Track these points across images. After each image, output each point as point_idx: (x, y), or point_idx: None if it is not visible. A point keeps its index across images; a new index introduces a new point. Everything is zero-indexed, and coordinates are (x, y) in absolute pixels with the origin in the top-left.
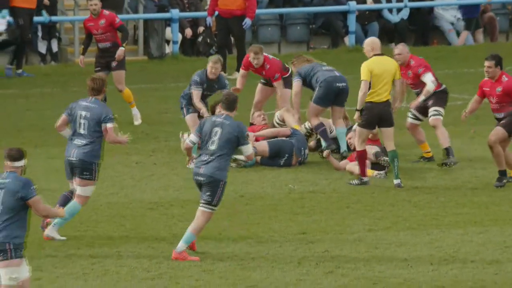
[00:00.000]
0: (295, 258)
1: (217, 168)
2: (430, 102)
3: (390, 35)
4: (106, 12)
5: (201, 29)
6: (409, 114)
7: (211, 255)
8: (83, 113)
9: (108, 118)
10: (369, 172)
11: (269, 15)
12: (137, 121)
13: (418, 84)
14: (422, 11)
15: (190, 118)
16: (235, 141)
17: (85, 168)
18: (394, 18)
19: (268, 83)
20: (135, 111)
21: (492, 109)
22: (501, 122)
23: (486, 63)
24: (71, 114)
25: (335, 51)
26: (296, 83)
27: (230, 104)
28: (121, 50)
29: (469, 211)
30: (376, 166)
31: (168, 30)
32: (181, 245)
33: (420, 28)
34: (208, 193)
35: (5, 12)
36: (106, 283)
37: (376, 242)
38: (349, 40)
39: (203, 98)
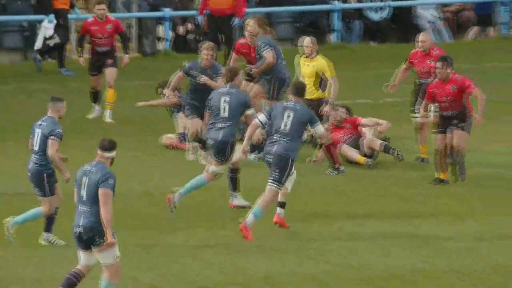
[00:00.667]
0: (281, 246)
1: (288, 149)
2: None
3: (372, 33)
4: (111, 17)
5: (189, 26)
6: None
7: (200, 243)
8: (225, 98)
9: (250, 103)
10: (361, 159)
11: (258, 14)
12: (109, 119)
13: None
14: (404, 10)
15: (181, 118)
16: (305, 124)
17: (221, 149)
18: (376, 16)
19: (251, 78)
20: (110, 114)
21: (442, 107)
22: (459, 125)
23: (437, 65)
24: (210, 102)
25: (320, 48)
26: (272, 52)
27: (299, 91)
28: (128, 58)
29: (448, 202)
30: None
31: (160, 27)
32: (251, 217)
33: (402, 27)
34: (277, 171)
35: (51, 16)
36: (98, 271)
37: (359, 230)
38: (333, 38)
39: (199, 90)
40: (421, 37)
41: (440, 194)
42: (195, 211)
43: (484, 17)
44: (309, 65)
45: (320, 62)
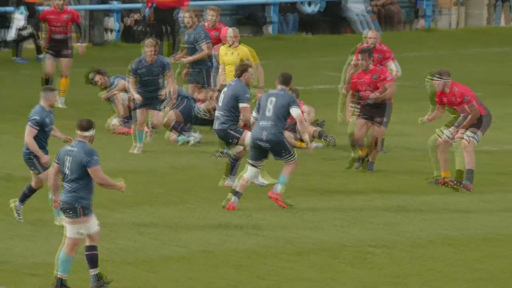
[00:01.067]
0: (220, 221)
1: (276, 132)
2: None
3: (306, 25)
4: (69, 8)
5: (136, 16)
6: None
7: (145, 219)
8: (224, 89)
9: (245, 98)
10: (300, 144)
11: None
12: (61, 105)
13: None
14: (334, 4)
15: (118, 99)
16: (287, 107)
17: (222, 137)
18: (310, 9)
19: None
20: (62, 100)
21: (365, 96)
22: (380, 120)
23: (359, 56)
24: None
25: (258, 39)
26: (208, 44)
27: (286, 80)
28: (83, 47)
29: (375, 180)
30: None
31: (108, 19)
32: (278, 186)
33: (333, 19)
34: (283, 153)
35: (23, 8)
36: (53, 244)
37: (292, 207)
38: (271, 29)
39: (148, 84)
40: (370, 33)
41: (368, 173)
42: (139, 192)
43: (416, 10)
44: (233, 53)
45: (243, 50)
